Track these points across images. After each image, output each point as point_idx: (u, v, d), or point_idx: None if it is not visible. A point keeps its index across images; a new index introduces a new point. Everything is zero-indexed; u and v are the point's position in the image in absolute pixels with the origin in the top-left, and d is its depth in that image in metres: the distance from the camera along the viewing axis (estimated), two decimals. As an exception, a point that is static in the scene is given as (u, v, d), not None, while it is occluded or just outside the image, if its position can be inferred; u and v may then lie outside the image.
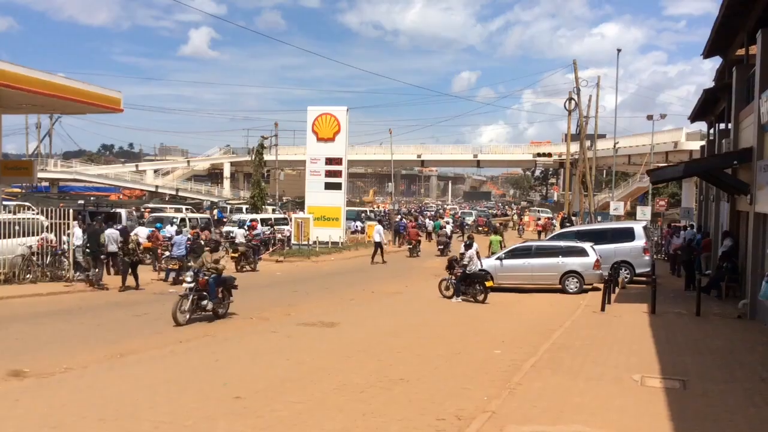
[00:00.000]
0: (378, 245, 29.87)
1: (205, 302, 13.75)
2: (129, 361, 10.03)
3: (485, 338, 12.44)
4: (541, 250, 20.72)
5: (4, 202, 25.02)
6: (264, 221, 34.84)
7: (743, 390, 8.47)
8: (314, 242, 32.86)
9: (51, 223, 19.14)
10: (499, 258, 20.40)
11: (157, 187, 75.22)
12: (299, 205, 57.00)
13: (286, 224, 36.17)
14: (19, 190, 54.24)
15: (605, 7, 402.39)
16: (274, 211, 47.55)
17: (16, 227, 18.10)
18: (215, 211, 46.67)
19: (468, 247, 18.42)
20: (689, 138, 58.00)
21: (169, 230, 25.69)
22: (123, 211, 29.28)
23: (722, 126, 23.52)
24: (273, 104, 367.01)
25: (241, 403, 7.65)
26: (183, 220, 30.12)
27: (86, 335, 12.06)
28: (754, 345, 11.50)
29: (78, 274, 18.74)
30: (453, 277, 18.33)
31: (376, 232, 30.80)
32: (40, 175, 58.42)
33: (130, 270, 18.36)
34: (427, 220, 47.08)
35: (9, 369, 9.10)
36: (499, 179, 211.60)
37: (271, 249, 30.44)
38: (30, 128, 74.54)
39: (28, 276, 18.18)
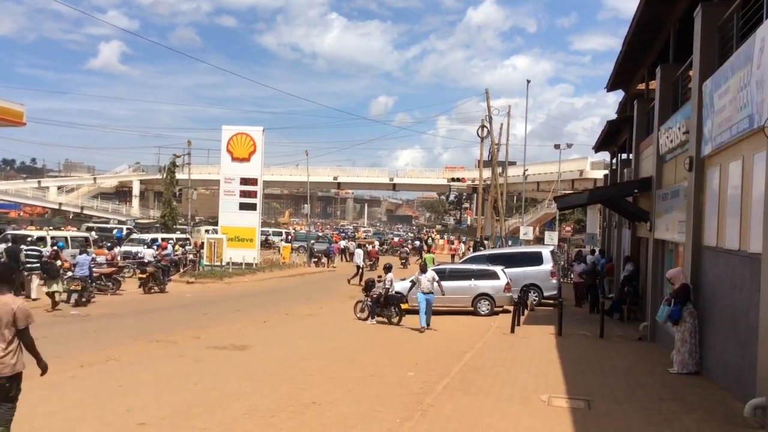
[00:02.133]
0: (359, 268, 31.43)
1: None
2: (24, 387, 9.42)
3: (399, 360, 12.46)
4: (454, 273, 21.03)
5: None
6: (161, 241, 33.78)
7: (644, 409, 8.81)
8: (227, 263, 32.20)
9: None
10: (413, 281, 20.55)
11: (60, 204, 72.09)
12: (212, 224, 55.90)
13: (186, 245, 35.42)
14: None
15: (516, 39, 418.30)
16: (166, 230, 46.08)
17: None
18: (114, 231, 44.80)
19: (388, 270, 18.55)
20: (594, 167, 60.79)
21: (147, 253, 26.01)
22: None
23: (624, 156, 24.74)
24: (187, 122, 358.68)
25: (145, 430, 7.33)
26: (41, 239, 27.25)
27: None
28: (653, 366, 12.02)
29: None
30: (368, 299, 18.33)
31: (357, 255, 32.73)
32: (-69, 189, 54.87)
33: None
34: (350, 243, 47.17)
35: None
36: (415, 202, 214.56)
37: (182, 270, 29.59)
38: None
39: None
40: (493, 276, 20.37)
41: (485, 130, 45.39)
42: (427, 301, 16.86)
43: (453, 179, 78.10)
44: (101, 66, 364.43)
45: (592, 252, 29.64)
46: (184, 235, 40.29)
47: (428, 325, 16.73)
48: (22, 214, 72.93)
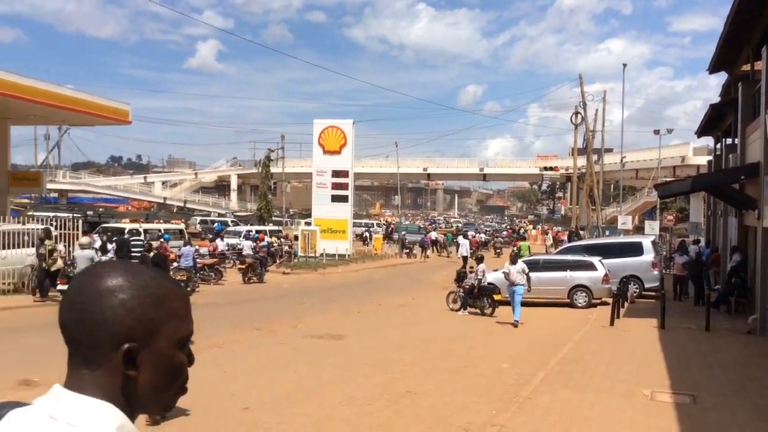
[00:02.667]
0: (466, 258, 30.80)
1: None
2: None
3: (493, 352, 12.38)
4: (549, 264, 20.64)
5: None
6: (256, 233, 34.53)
7: (753, 405, 8.39)
8: (321, 254, 32.86)
9: (59, 234, 19.21)
10: (504, 272, 20.30)
11: (165, 198, 75.56)
12: (306, 217, 57.15)
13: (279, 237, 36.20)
14: (27, 201, 54.53)
15: (611, 22, 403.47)
16: (266, 223, 47.18)
17: (25, 237, 18.15)
18: (214, 225, 46.41)
19: (480, 261, 18.41)
20: (696, 153, 57.92)
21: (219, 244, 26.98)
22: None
23: (729, 141, 23.46)
24: (280, 117, 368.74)
25: (249, 415, 7.63)
26: (134, 231, 27.15)
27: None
28: (763, 360, 11.41)
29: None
30: (461, 290, 18.27)
31: (463, 246, 32.85)
32: (49, 186, 58.74)
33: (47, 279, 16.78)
34: (436, 234, 47.18)
35: (19, 378, 9.10)
36: (506, 193, 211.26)
37: (278, 261, 30.43)
38: (39, 139, 75.05)
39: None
40: (590, 267, 19.84)
41: (579, 116, 44.18)
42: (515, 293, 16.24)
43: (545, 168, 76.31)
44: (199, 65, 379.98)
45: (695, 242, 28.37)
46: (277, 228, 41.31)
47: (517, 319, 16.00)
48: (129, 208, 76.91)
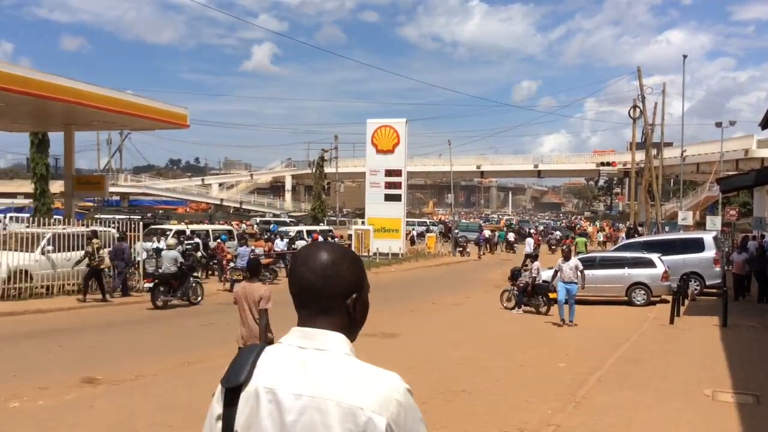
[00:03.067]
0: (529, 256, 30.41)
1: None
2: (196, 369, 10.29)
3: (548, 351, 12.24)
4: (606, 261, 20.26)
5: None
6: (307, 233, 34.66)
7: (824, 407, 8.07)
8: (374, 253, 33.02)
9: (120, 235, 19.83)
10: (556, 269, 20.02)
11: (222, 200, 77.17)
12: (359, 216, 57.46)
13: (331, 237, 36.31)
14: (91, 204, 56.45)
15: (670, 13, 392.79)
16: (317, 223, 47.53)
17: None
18: (270, 225, 47.01)
19: (534, 258, 18.22)
20: (760, 145, 55.84)
21: (279, 244, 27.54)
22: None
23: (797, 131, 22.55)
24: (333, 117, 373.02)
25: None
26: (180, 232, 26.36)
27: (155, 345, 12.43)
28: (835, 360, 10.95)
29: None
30: (515, 288, 18.11)
31: (528, 244, 33.01)
32: (111, 189, 60.71)
33: (94, 279, 17.39)
34: (489, 232, 46.95)
35: (83, 376, 9.46)
36: (561, 189, 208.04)
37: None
38: (101, 144, 77.53)
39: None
40: (649, 264, 19.39)
41: (638, 110, 43.15)
42: (569, 292, 15.47)
43: (602, 164, 74.75)
44: (254, 68, 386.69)
45: (754, 238, 27.40)
46: (327, 227, 41.56)
47: (571, 320, 15.36)
48: (188, 210, 78.88)
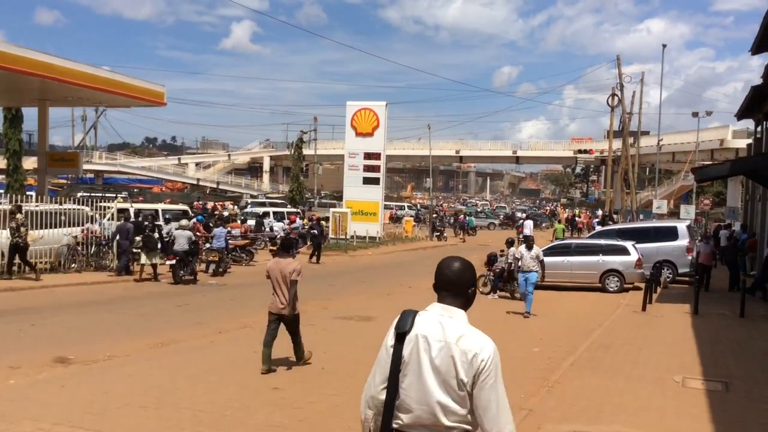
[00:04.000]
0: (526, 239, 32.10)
1: None
2: (170, 350, 10.23)
3: (522, 336, 12.35)
4: (581, 248, 20.47)
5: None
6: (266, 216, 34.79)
7: (789, 394, 8.25)
8: (351, 237, 33.01)
9: (95, 214, 19.60)
10: (516, 256, 20.18)
11: (198, 180, 76.43)
12: (337, 199, 57.30)
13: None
14: (65, 181, 55.66)
15: (651, 1, 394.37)
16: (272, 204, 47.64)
17: (62, 217, 18.54)
18: (247, 206, 46.75)
19: (510, 244, 18.25)
20: (736, 136, 56.65)
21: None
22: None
23: (771, 123, 22.86)
24: (312, 99, 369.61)
25: (278, 394, 7.75)
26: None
27: (129, 325, 12.33)
28: (801, 348, 11.19)
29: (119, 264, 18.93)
30: (491, 274, 18.22)
31: (527, 227, 32.92)
32: (86, 167, 59.82)
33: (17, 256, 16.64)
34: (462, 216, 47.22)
35: (55, 356, 9.36)
36: (539, 176, 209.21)
37: (308, 243, 30.61)
38: (76, 121, 76.36)
39: (73, 266, 18.60)
40: (623, 251, 19.62)
41: (616, 98, 43.47)
42: (527, 280, 15.00)
43: (580, 151, 75.37)
44: (233, 46, 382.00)
45: (726, 227, 27.80)
46: (294, 209, 41.34)
47: (528, 311, 14.79)
48: (164, 189, 78.10)
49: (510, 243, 18.37)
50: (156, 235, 18.57)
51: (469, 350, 2.68)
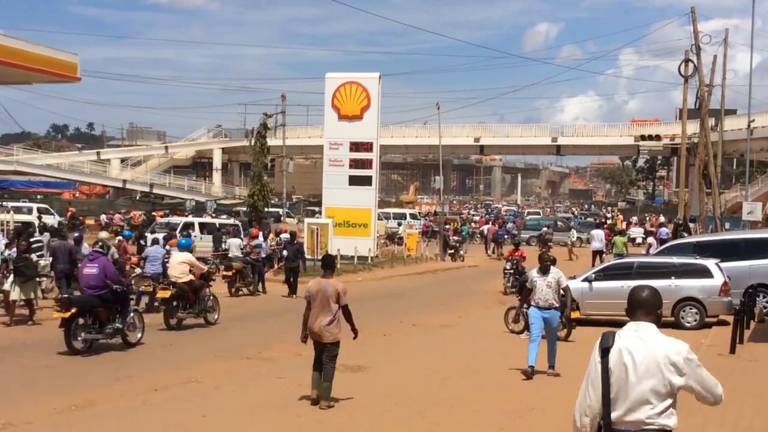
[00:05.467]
0: (599, 254, 34.42)
1: None
2: (87, 416, 10.19)
3: (567, 388, 12.29)
4: (646, 269, 20.45)
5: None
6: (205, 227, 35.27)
7: None
8: (334, 256, 33.01)
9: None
10: (587, 279, 20.22)
11: (125, 181, 76.30)
12: (314, 204, 57.29)
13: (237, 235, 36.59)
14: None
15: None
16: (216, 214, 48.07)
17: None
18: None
19: (551, 263, 18.14)
20: None
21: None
22: None
23: None
24: (279, 70, 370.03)
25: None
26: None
27: (30, 381, 12.27)
28: None
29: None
30: (525, 306, 18.20)
31: (596, 237, 35.42)
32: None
33: None
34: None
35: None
36: (587, 172, 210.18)
37: (276, 266, 30.62)
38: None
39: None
40: (703, 273, 19.61)
41: (690, 65, 43.60)
42: (547, 324, 13.30)
43: (643, 137, 75.47)
44: (171, 1, 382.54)
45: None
46: (230, 221, 41.30)
47: (552, 365, 13.27)
48: (77, 194, 77.99)
49: (551, 262, 18.33)
50: (34, 256, 18.33)
51: (670, 353, 4.59)
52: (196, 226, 35.91)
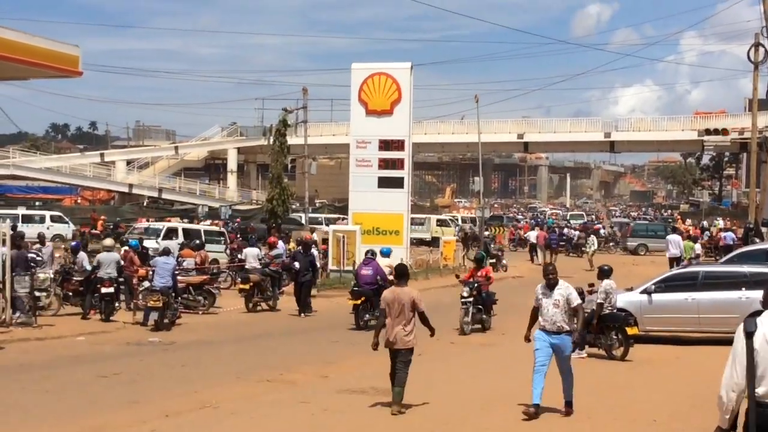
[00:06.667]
0: (676, 260, 33.98)
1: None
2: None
3: (626, 415, 12.24)
4: (713, 279, 20.26)
5: None
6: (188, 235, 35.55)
7: None
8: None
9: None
10: (646, 291, 20.04)
11: (131, 186, 76.68)
12: (339, 210, 57.31)
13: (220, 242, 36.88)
14: None
15: None
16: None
17: None
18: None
19: (605, 275, 18.05)
20: None
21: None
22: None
23: None
24: (299, 61, 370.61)
25: None
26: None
27: (32, 405, 12.37)
28: None
29: (18, 315, 19.16)
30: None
31: (673, 243, 35.10)
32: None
33: None
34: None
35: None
36: (645, 170, 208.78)
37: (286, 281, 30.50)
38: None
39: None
40: (778, 283, 19.39)
41: (762, 50, 43.22)
42: (556, 350, 12.07)
43: (707, 131, 74.74)
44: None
45: None
46: (215, 227, 41.88)
47: (569, 400, 12.18)
48: (80, 200, 78.59)
49: (606, 273, 18.23)
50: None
51: None
52: (180, 232, 36.85)
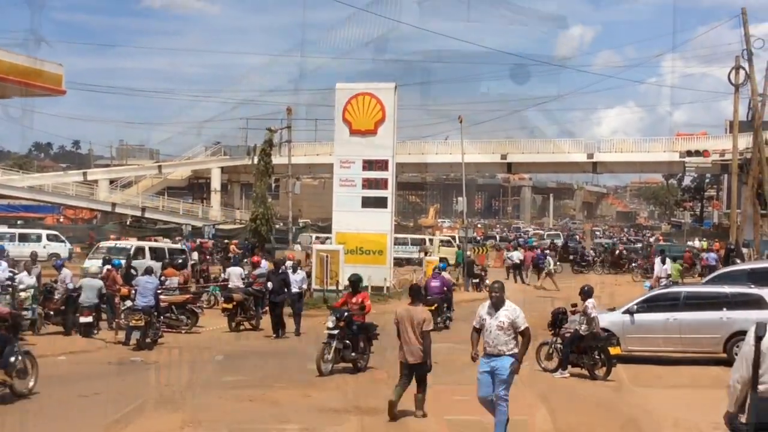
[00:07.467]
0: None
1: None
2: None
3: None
4: (694, 300, 20.32)
5: None
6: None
7: None
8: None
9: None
10: (629, 311, 20.08)
11: (114, 205, 76.41)
12: (323, 230, 57.30)
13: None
14: None
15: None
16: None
17: None
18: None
19: (586, 295, 18.05)
20: None
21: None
22: None
23: None
24: (284, 80, 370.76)
25: None
26: None
27: (11, 425, 12.28)
28: None
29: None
30: (558, 340, 18.09)
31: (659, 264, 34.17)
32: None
33: None
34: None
35: None
36: (627, 191, 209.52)
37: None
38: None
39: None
40: (758, 303, 19.43)
41: (742, 73, 43.51)
42: (494, 375, 11.32)
43: (689, 152, 75.13)
44: (164, 4, 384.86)
45: None
46: (177, 245, 42.26)
47: None
48: (62, 219, 78.26)
49: (587, 293, 18.24)
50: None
51: None
52: (147, 251, 37.05)
